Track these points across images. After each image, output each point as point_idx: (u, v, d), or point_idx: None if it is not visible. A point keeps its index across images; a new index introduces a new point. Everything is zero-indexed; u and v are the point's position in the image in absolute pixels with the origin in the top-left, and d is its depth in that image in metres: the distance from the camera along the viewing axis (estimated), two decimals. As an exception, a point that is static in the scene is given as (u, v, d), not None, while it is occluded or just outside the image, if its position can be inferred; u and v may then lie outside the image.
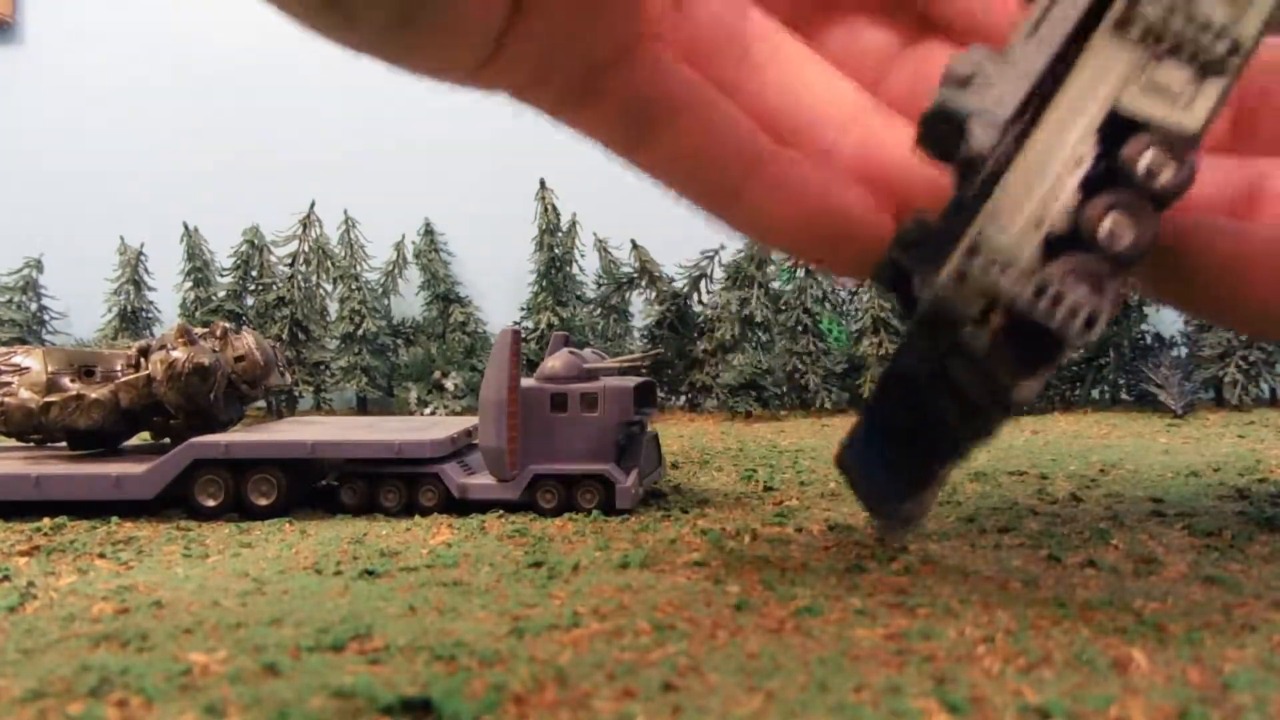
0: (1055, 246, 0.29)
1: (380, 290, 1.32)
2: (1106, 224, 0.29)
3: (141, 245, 1.30)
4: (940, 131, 0.31)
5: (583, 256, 1.29)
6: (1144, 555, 0.44)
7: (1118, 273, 0.29)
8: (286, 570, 0.44)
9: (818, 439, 0.93)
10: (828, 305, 1.24)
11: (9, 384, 0.63)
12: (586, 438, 0.56)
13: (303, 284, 1.25)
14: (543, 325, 1.21)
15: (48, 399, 0.62)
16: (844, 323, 1.23)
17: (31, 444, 0.66)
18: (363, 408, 1.24)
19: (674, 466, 0.74)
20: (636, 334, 1.26)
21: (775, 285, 1.21)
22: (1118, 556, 0.44)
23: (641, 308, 1.26)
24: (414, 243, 1.34)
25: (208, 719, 0.25)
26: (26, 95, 1.44)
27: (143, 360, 0.63)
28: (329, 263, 1.27)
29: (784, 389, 1.17)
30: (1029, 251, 0.29)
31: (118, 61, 1.43)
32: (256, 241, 1.26)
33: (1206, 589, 0.38)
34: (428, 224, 1.34)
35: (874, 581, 0.39)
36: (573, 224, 1.27)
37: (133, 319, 1.29)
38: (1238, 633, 0.33)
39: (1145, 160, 0.29)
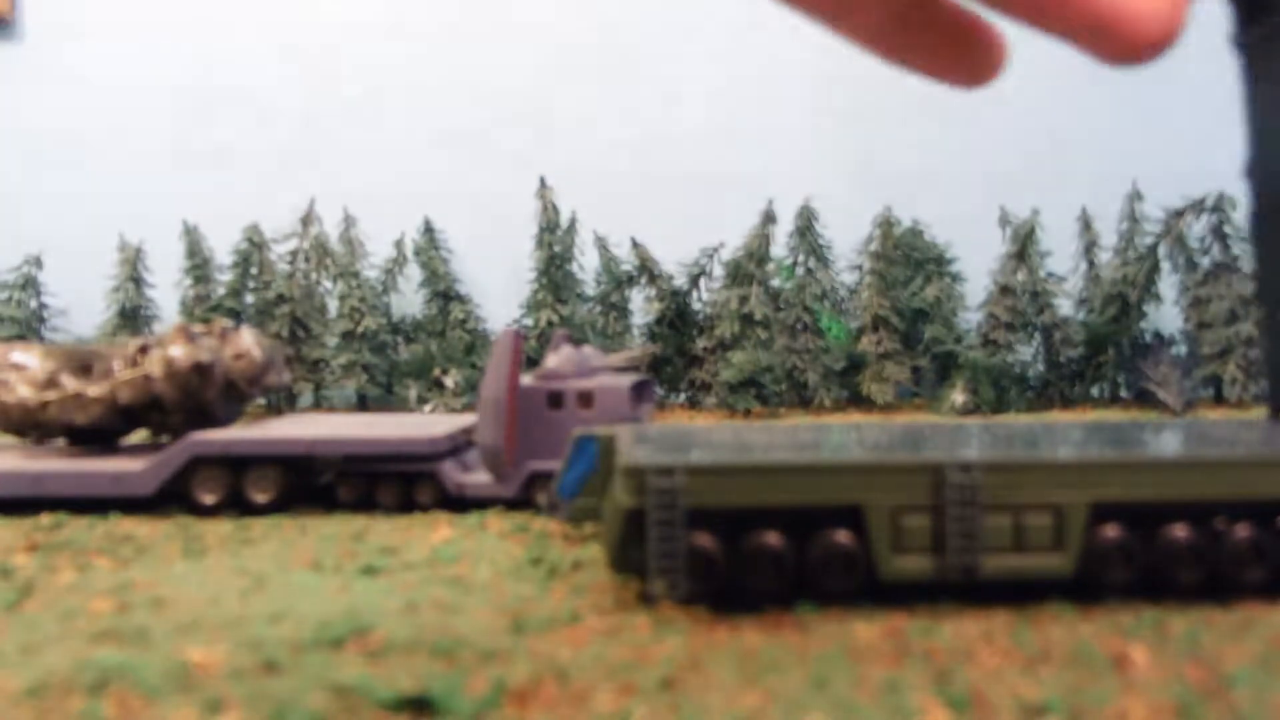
0: None
1: (380, 288, 1.31)
2: None
3: (141, 242, 1.30)
4: None
5: (582, 254, 1.28)
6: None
7: None
8: (286, 567, 0.44)
9: (817, 437, 0.93)
10: (827, 303, 1.23)
11: (7, 380, 0.63)
12: None
13: (302, 281, 1.24)
14: (542, 323, 1.21)
15: (46, 396, 0.62)
16: (843, 320, 1.23)
17: (30, 441, 0.66)
18: (363, 405, 1.23)
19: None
20: (636, 331, 1.26)
21: (775, 283, 1.21)
22: (1117, 554, 0.43)
23: (641, 305, 1.26)
24: (414, 240, 1.33)
25: (207, 715, 0.25)
26: (26, 91, 1.44)
27: (141, 357, 0.63)
28: (329, 260, 1.26)
29: (783, 386, 1.17)
30: None
31: (117, 58, 1.43)
32: (256, 239, 1.25)
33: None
34: (427, 222, 1.33)
35: (873, 579, 0.39)
36: (572, 222, 1.27)
37: (132, 316, 1.28)
38: (1237, 630, 0.33)
39: None
